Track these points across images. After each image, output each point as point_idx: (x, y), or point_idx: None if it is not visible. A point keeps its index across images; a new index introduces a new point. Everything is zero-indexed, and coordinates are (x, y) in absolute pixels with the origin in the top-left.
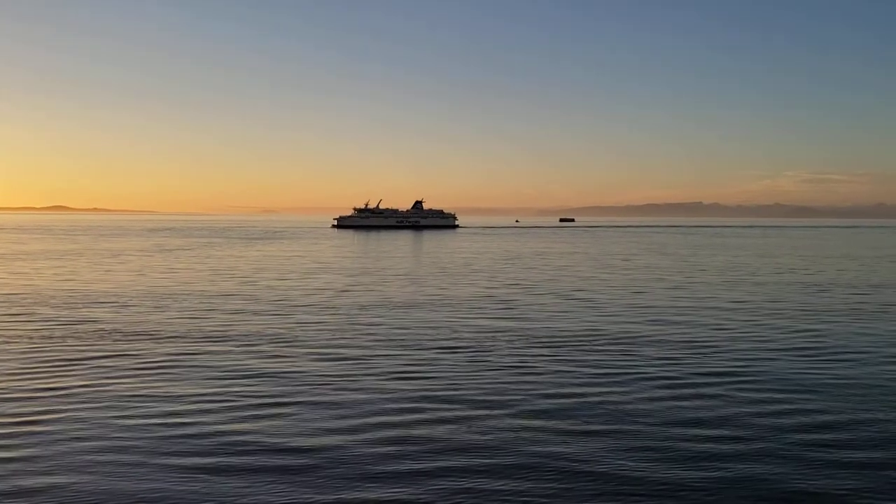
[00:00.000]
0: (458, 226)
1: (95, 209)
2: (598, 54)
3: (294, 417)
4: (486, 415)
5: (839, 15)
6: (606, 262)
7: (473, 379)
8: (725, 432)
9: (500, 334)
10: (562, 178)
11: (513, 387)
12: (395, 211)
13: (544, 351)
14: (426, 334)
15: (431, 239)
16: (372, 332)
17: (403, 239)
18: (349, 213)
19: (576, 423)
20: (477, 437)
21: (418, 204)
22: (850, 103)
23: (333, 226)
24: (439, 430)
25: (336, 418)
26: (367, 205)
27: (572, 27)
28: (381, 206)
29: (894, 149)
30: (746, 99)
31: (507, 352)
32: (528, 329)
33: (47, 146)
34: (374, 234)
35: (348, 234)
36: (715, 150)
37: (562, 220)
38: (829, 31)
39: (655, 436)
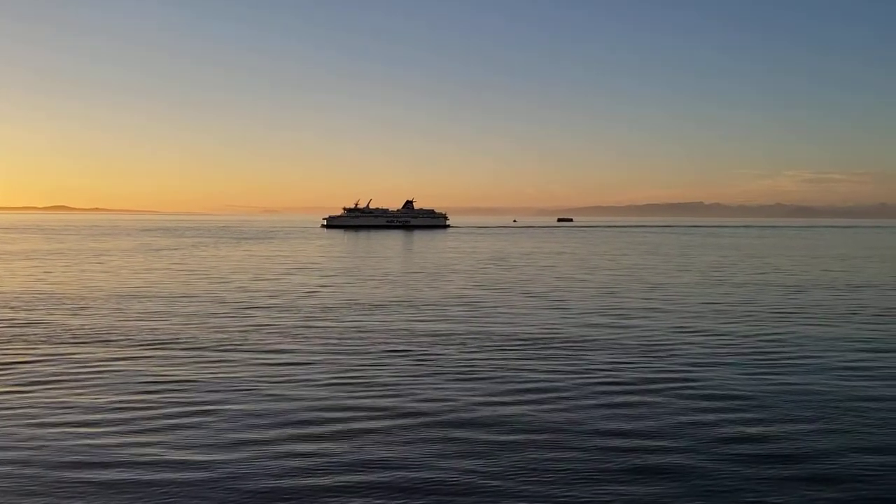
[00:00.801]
0: (449, 225)
1: (96, 209)
2: (599, 54)
3: (209, 428)
4: (410, 424)
5: (839, 15)
6: (592, 263)
7: (410, 386)
8: (653, 443)
9: (454, 337)
10: (563, 177)
11: (449, 394)
12: (385, 210)
13: (494, 355)
14: (378, 338)
15: (420, 239)
16: (324, 335)
17: (392, 239)
18: (340, 212)
19: (498, 434)
20: (392, 449)
21: (409, 203)
22: (851, 103)
23: (323, 226)
24: (354, 444)
25: (252, 429)
26: (356, 204)
27: (573, 27)
28: (371, 206)
29: (895, 148)
30: (747, 99)
31: (455, 356)
32: (485, 332)
33: (48, 146)
34: (363, 234)
35: (337, 235)
36: (716, 150)
37: (560, 220)
38: (829, 31)
39: (581, 447)
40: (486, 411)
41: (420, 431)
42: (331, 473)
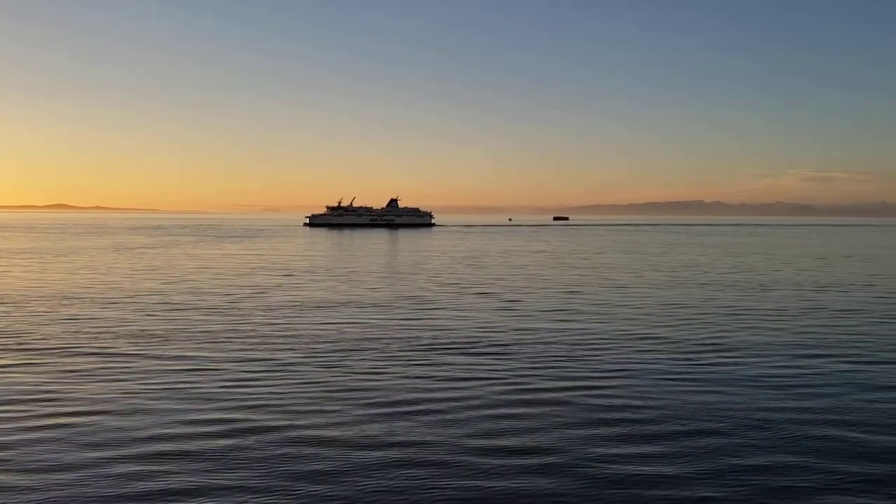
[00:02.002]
0: (434, 224)
1: (98, 207)
2: (600, 53)
3: (84, 429)
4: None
5: (841, 15)
6: (566, 262)
7: (304, 388)
8: (518, 461)
9: (382, 338)
10: (564, 176)
11: (337, 395)
12: (370, 209)
13: (413, 355)
14: (301, 338)
15: (402, 238)
16: (235, 339)
17: (373, 238)
18: (323, 211)
19: (365, 440)
20: (250, 454)
21: (393, 202)
22: (853, 102)
23: (305, 224)
24: (218, 445)
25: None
26: (339, 203)
27: (574, 26)
28: (355, 205)
29: None
30: (749, 98)
31: (371, 358)
32: (417, 332)
33: (49, 145)
34: (346, 233)
35: (319, 233)
36: (717, 149)
37: (555, 219)
38: (831, 31)
39: (439, 461)
40: (341, 430)
41: (289, 433)
42: (186, 475)
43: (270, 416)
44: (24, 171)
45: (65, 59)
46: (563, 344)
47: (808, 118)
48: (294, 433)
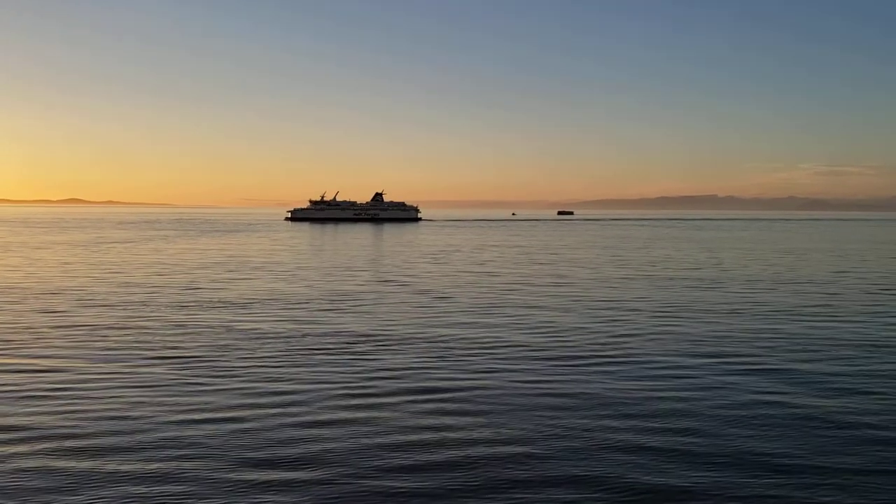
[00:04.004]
0: (420, 219)
1: (110, 202)
2: (611, 48)
3: None
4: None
5: (854, 12)
6: (535, 257)
7: (142, 395)
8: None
9: (260, 338)
10: (576, 171)
11: (157, 399)
12: (353, 203)
13: (297, 357)
14: (187, 338)
15: (383, 233)
16: (136, 336)
17: (354, 232)
18: (306, 205)
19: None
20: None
21: (378, 196)
22: (866, 98)
23: (287, 219)
24: None
25: None
26: (322, 197)
27: (588, 22)
28: (339, 199)
29: None
30: (762, 93)
31: (249, 358)
32: (315, 332)
33: (63, 141)
34: (329, 228)
35: (301, 228)
36: (731, 144)
37: (560, 214)
38: (844, 28)
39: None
40: (166, 431)
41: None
42: None
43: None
44: (39, 166)
45: (80, 55)
46: (465, 341)
47: (820, 113)
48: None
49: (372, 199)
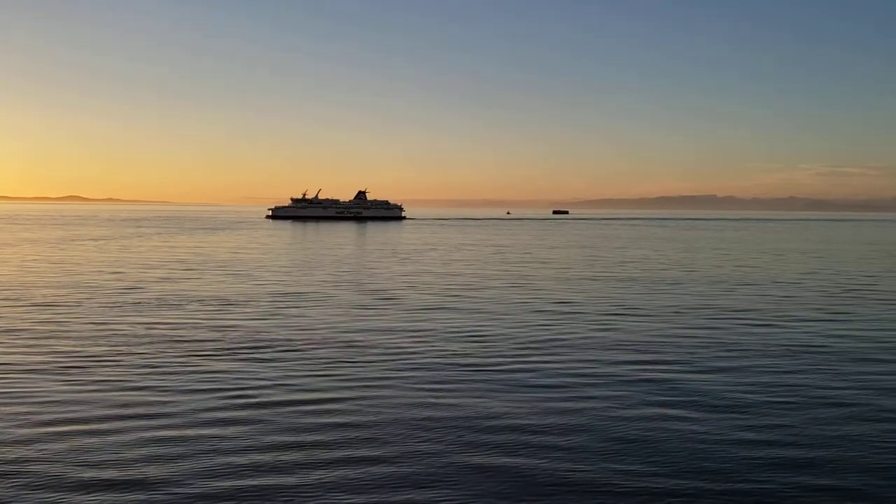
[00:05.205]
0: (404, 217)
1: (110, 199)
2: (611, 48)
3: None
4: None
5: (854, 12)
6: (506, 257)
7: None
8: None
9: (175, 339)
10: (576, 171)
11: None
12: (336, 201)
13: (192, 359)
14: (88, 337)
15: (364, 231)
16: (27, 340)
17: (334, 231)
18: (287, 203)
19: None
20: None
21: (361, 194)
22: (867, 98)
23: (268, 216)
24: None
25: None
26: (304, 195)
27: (588, 22)
28: (321, 196)
29: None
30: (763, 93)
31: (123, 364)
32: (227, 333)
33: (63, 137)
34: (310, 226)
35: (282, 226)
36: (732, 144)
37: (555, 213)
38: (845, 28)
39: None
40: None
41: None
42: None
43: None
44: (39, 163)
45: (81, 52)
46: (384, 344)
47: (821, 114)
48: None
49: (355, 198)
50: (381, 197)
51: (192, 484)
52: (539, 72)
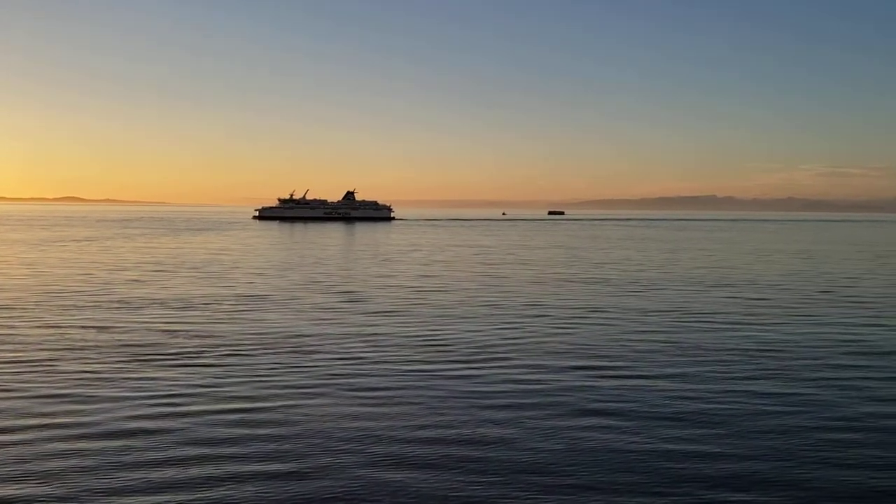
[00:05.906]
0: (393, 218)
1: (108, 200)
2: (611, 48)
3: None
4: None
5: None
6: (488, 258)
7: None
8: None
9: (121, 343)
10: (576, 171)
11: None
12: (324, 202)
13: (131, 365)
14: (21, 345)
15: (351, 232)
16: None
17: (321, 231)
18: (274, 203)
19: None
20: None
21: (350, 195)
22: (867, 98)
23: (255, 217)
24: None
25: None
26: (292, 195)
27: (588, 22)
28: (309, 197)
29: None
30: (762, 92)
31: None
32: (180, 339)
33: (61, 138)
34: (298, 227)
35: (269, 227)
36: (731, 144)
37: (550, 213)
38: (845, 28)
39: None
40: None
41: None
42: None
43: None
44: (37, 162)
45: (79, 52)
46: (329, 346)
47: (821, 114)
48: None
49: (343, 198)
50: (371, 197)
51: (85, 502)
52: (539, 72)
